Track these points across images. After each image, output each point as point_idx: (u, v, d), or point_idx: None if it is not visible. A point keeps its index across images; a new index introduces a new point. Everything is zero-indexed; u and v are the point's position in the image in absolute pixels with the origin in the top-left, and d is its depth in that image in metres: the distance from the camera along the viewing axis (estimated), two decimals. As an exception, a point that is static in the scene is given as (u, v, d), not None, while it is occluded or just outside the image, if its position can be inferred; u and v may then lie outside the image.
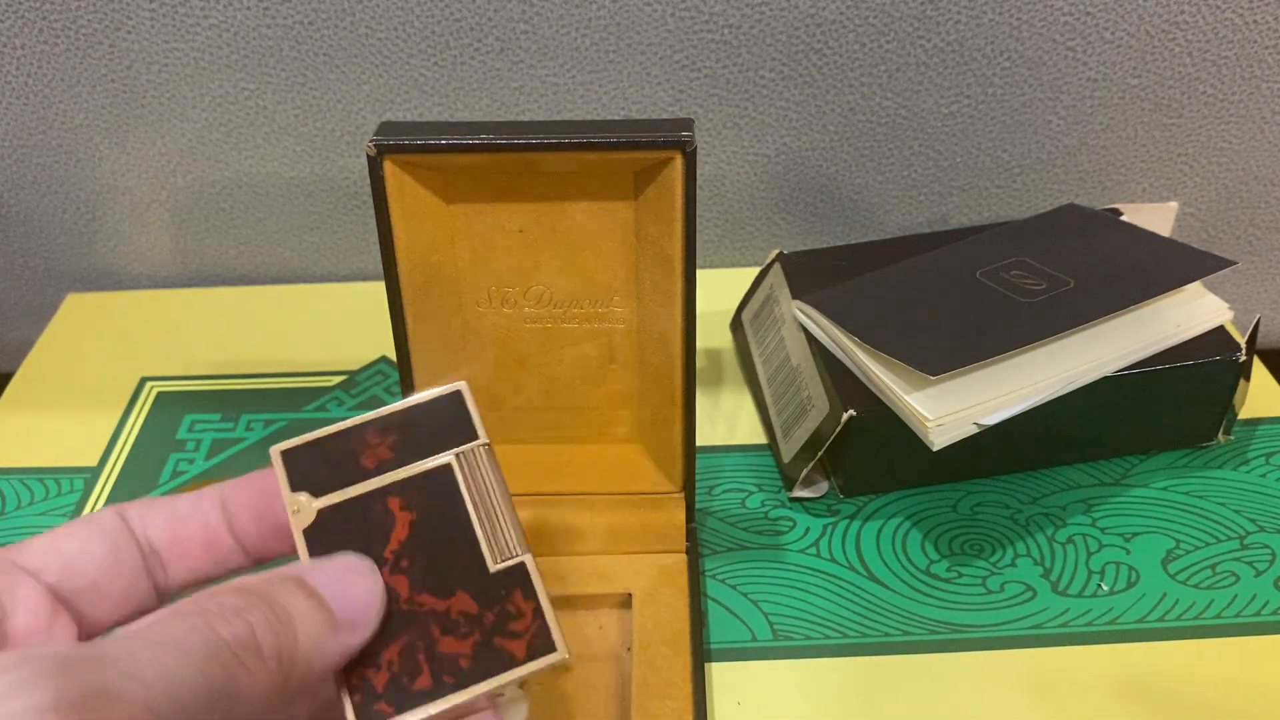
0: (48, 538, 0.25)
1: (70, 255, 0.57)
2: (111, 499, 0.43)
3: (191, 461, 0.45)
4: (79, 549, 0.25)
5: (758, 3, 0.48)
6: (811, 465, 0.40)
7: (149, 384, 0.49)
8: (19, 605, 0.23)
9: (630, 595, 0.37)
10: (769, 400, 0.45)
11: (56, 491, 0.44)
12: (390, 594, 0.26)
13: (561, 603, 0.34)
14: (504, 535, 0.27)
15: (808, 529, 0.41)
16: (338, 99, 0.51)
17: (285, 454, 0.27)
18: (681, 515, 0.38)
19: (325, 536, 0.26)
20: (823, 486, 0.42)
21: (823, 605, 0.38)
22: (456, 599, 0.26)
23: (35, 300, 0.58)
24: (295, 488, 0.27)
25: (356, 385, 0.49)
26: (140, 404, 0.48)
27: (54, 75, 0.50)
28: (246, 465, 0.45)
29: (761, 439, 0.45)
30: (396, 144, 0.32)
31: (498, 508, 0.27)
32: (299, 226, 0.55)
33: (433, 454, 0.27)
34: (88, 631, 0.25)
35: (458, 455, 0.28)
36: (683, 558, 0.38)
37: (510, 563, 0.26)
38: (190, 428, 0.47)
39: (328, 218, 0.55)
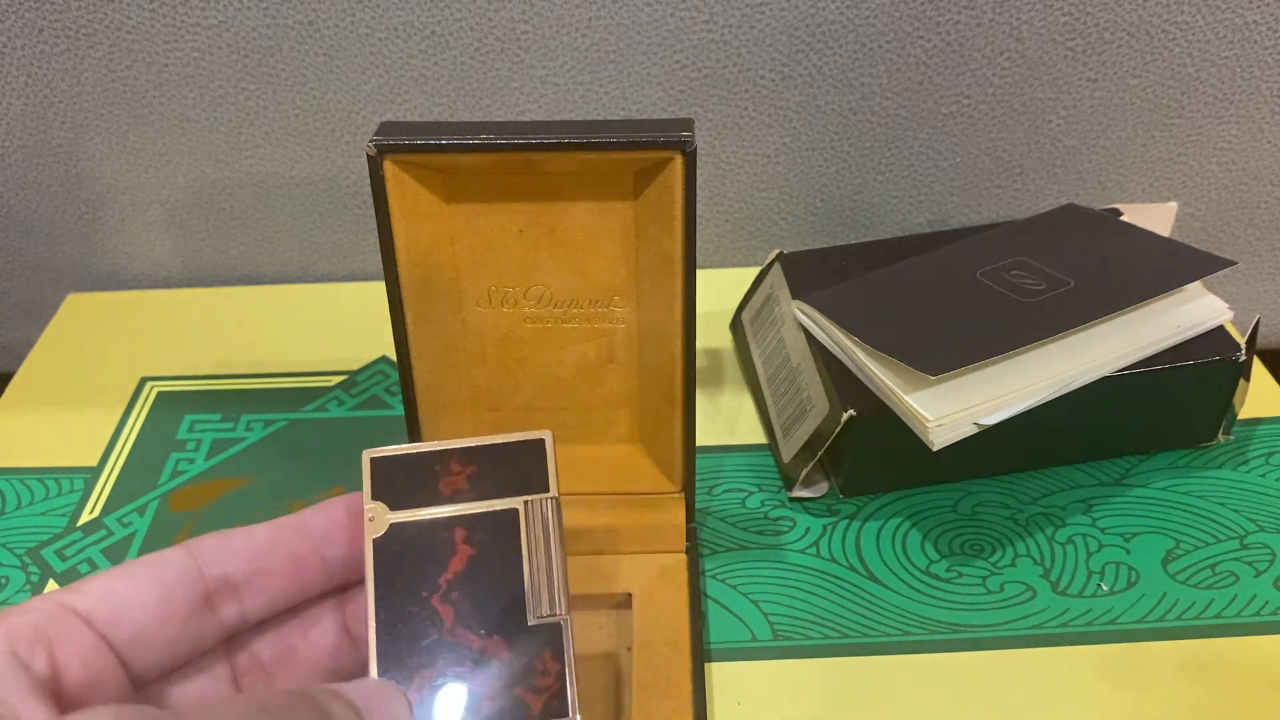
0: (105, 580, 0.25)
1: (70, 255, 0.57)
2: (111, 499, 0.43)
3: (191, 461, 0.45)
4: (132, 597, 0.25)
5: (758, 3, 0.48)
6: (811, 465, 0.40)
7: (149, 384, 0.49)
8: (73, 658, 0.23)
9: (630, 595, 0.37)
10: (769, 400, 0.45)
11: (56, 491, 0.44)
12: (434, 619, 0.27)
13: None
14: (550, 592, 0.28)
15: (808, 529, 0.41)
16: (338, 99, 0.51)
17: (374, 461, 0.29)
18: (681, 515, 0.38)
19: (391, 551, 0.28)
20: (823, 486, 0.42)
21: (823, 605, 0.38)
22: (492, 641, 0.27)
23: (35, 300, 0.58)
24: (374, 495, 0.29)
25: (356, 385, 0.49)
26: (140, 404, 0.48)
27: (54, 75, 0.50)
28: (247, 465, 0.45)
29: (761, 439, 0.45)
30: (396, 144, 0.32)
31: (551, 562, 0.28)
32: (299, 226, 0.55)
33: (504, 496, 0.29)
34: (135, 677, 0.25)
35: (526, 503, 0.29)
36: (683, 558, 0.38)
37: (549, 620, 0.28)
38: (190, 428, 0.47)
39: (328, 218, 0.55)
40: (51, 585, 0.40)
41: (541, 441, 0.30)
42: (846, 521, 0.41)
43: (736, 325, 0.50)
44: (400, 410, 0.47)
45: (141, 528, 0.42)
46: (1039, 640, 0.37)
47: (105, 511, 0.43)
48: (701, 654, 0.35)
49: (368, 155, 0.32)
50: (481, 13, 0.48)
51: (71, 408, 0.48)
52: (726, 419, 0.47)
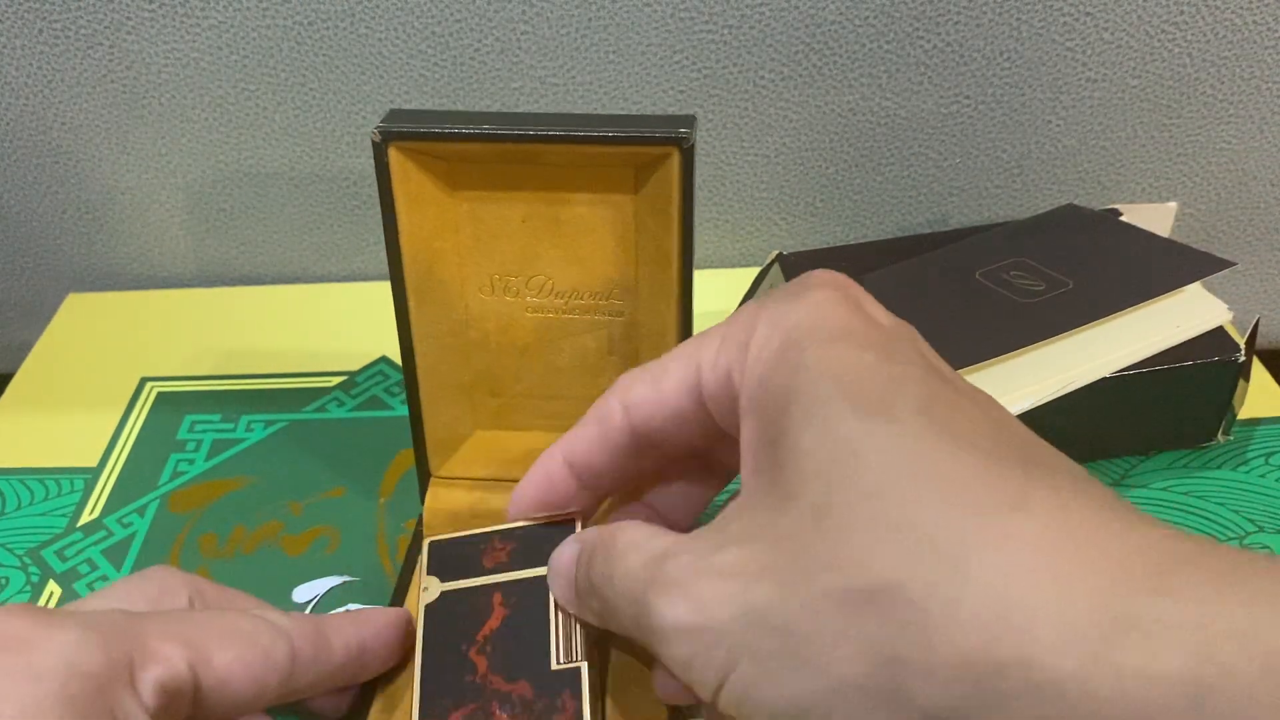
0: (224, 655, 0.28)
1: (71, 255, 0.57)
2: (111, 499, 0.43)
3: (191, 462, 0.45)
4: (241, 680, 0.28)
5: (758, 3, 0.48)
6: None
7: (149, 384, 0.49)
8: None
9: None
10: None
11: (57, 491, 0.44)
12: (470, 667, 0.31)
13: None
14: (572, 643, 0.31)
15: (808, 529, 0.41)
16: (338, 99, 0.51)
17: (433, 544, 0.34)
18: None
19: (439, 614, 0.32)
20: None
21: (822, 605, 0.38)
22: (519, 685, 0.31)
23: (35, 300, 0.58)
24: (430, 572, 0.34)
25: (356, 385, 0.49)
26: (140, 404, 0.48)
27: (54, 75, 0.50)
28: (247, 466, 0.45)
29: (761, 439, 0.45)
30: (401, 130, 0.33)
31: (573, 618, 0.31)
32: (299, 226, 0.55)
33: (538, 565, 0.32)
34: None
35: None
36: None
37: (569, 666, 0.31)
38: (190, 428, 0.47)
39: (328, 218, 0.55)
40: (51, 586, 0.40)
41: (572, 519, 0.33)
42: (846, 522, 0.41)
43: (736, 325, 0.50)
44: (401, 411, 0.47)
45: (142, 528, 0.42)
46: (1039, 640, 0.37)
47: (105, 512, 0.43)
48: None
49: (373, 141, 0.33)
50: (481, 13, 0.48)
51: (71, 408, 0.48)
52: (726, 419, 0.47)
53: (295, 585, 0.39)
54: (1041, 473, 0.21)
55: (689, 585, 0.23)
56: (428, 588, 0.33)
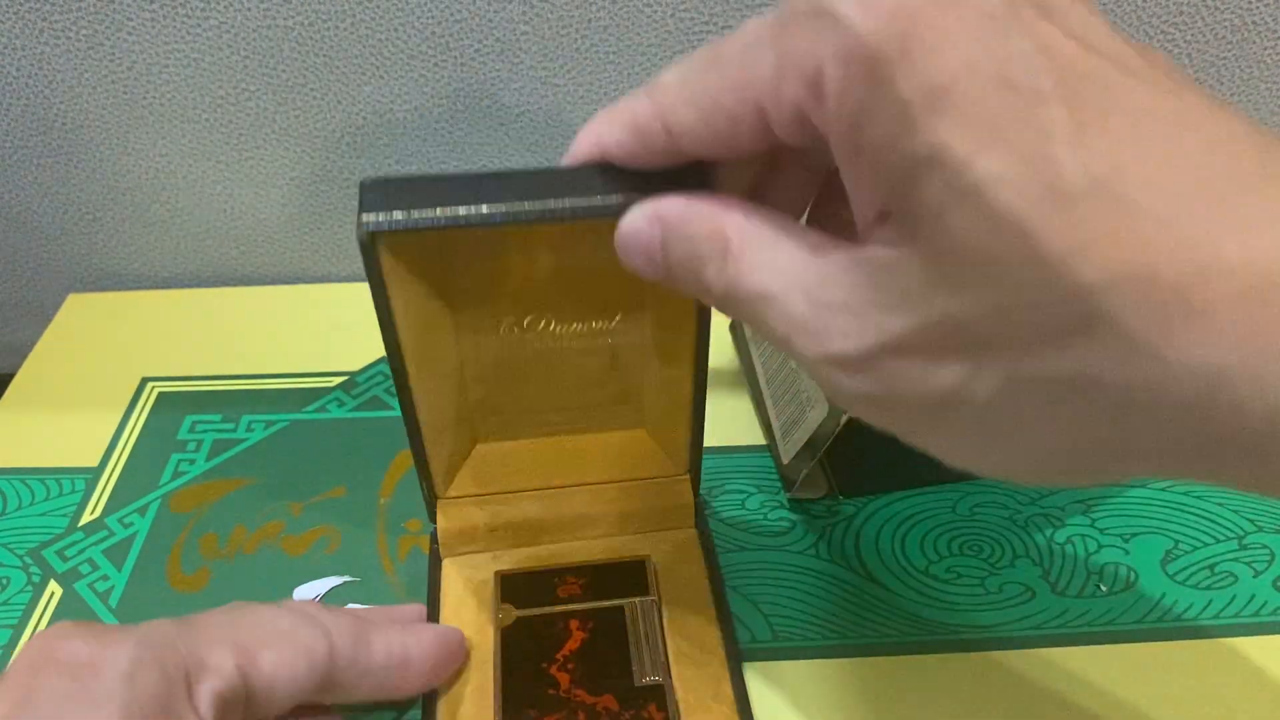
0: (270, 665, 0.28)
1: (71, 255, 0.57)
2: (112, 499, 0.43)
3: (193, 462, 0.45)
4: (286, 683, 0.29)
5: (758, 4, 0.48)
6: (811, 466, 0.40)
7: (150, 384, 0.50)
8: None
9: (649, 557, 0.38)
10: (768, 401, 0.45)
11: (57, 491, 0.44)
12: (552, 682, 0.33)
13: (584, 569, 0.38)
14: (652, 662, 0.34)
15: (807, 530, 0.41)
16: (338, 100, 0.51)
17: (503, 576, 0.37)
18: (689, 493, 0.39)
19: (516, 636, 0.35)
20: (822, 487, 0.42)
21: (822, 606, 0.38)
22: (604, 698, 0.33)
23: (36, 300, 0.58)
24: (503, 600, 0.36)
25: (357, 386, 0.49)
26: (141, 404, 0.48)
27: (55, 76, 0.50)
28: (248, 466, 0.45)
29: (761, 440, 0.45)
30: (389, 226, 0.28)
31: (653, 643, 0.34)
32: (299, 226, 0.56)
33: (613, 598, 0.36)
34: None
35: (629, 604, 0.36)
36: (694, 532, 0.39)
37: (652, 681, 0.33)
38: (191, 428, 0.47)
39: (328, 218, 0.55)
40: (52, 586, 0.40)
41: (643, 561, 0.37)
42: (846, 522, 0.41)
43: (736, 326, 0.50)
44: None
45: (143, 528, 0.42)
46: (1038, 641, 0.37)
47: (106, 512, 0.43)
48: (729, 618, 0.36)
49: (360, 242, 0.29)
50: (481, 13, 0.48)
51: (72, 408, 0.48)
52: (726, 420, 0.47)
53: (296, 585, 0.39)
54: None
55: (864, 364, 0.23)
56: (502, 615, 0.35)
